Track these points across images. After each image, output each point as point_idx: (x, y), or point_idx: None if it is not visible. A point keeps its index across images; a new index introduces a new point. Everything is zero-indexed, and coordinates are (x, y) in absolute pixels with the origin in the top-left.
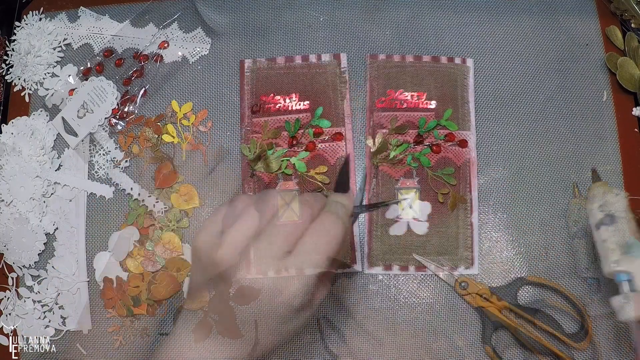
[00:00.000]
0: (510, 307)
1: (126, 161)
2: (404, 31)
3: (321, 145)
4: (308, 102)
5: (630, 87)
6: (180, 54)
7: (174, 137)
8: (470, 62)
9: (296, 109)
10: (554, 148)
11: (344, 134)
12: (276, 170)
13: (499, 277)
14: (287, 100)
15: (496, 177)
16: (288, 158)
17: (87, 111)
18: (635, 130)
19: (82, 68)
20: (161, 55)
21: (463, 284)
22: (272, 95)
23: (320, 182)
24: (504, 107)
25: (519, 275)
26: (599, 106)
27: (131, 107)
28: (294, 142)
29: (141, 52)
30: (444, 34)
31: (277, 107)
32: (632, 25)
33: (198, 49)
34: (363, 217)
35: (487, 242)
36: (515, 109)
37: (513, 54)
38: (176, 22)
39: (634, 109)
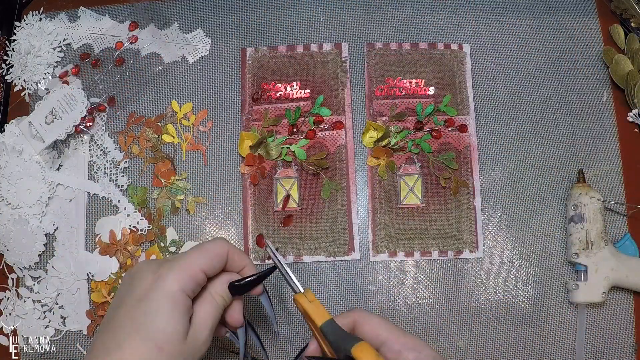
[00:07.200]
0: None
1: (126, 161)
2: (404, 31)
3: (321, 134)
4: (309, 90)
5: (619, 83)
6: (180, 54)
7: (174, 137)
8: (466, 48)
9: (297, 97)
10: (553, 148)
11: (344, 122)
12: (276, 158)
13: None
14: (289, 88)
15: (496, 171)
16: (288, 145)
17: (55, 117)
18: (635, 130)
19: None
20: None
21: None
22: (273, 83)
23: (318, 166)
24: (504, 108)
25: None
26: (599, 106)
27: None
28: (294, 130)
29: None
30: (444, 34)
31: (277, 95)
32: (632, 24)
33: (198, 49)
34: (365, 208)
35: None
36: (515, 109)
37: (513, 54)
38: (176, 22)
39: (628, 114)
